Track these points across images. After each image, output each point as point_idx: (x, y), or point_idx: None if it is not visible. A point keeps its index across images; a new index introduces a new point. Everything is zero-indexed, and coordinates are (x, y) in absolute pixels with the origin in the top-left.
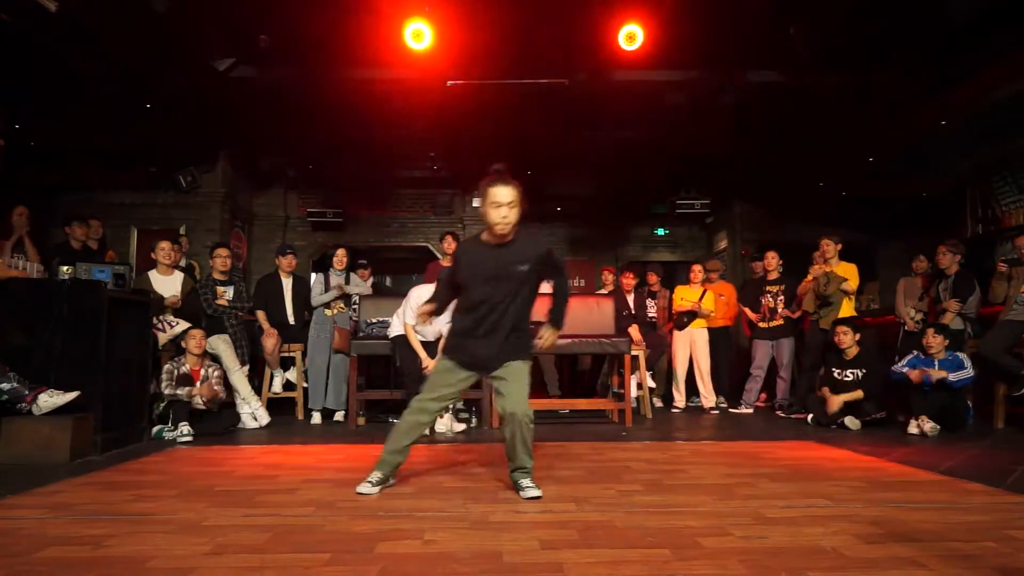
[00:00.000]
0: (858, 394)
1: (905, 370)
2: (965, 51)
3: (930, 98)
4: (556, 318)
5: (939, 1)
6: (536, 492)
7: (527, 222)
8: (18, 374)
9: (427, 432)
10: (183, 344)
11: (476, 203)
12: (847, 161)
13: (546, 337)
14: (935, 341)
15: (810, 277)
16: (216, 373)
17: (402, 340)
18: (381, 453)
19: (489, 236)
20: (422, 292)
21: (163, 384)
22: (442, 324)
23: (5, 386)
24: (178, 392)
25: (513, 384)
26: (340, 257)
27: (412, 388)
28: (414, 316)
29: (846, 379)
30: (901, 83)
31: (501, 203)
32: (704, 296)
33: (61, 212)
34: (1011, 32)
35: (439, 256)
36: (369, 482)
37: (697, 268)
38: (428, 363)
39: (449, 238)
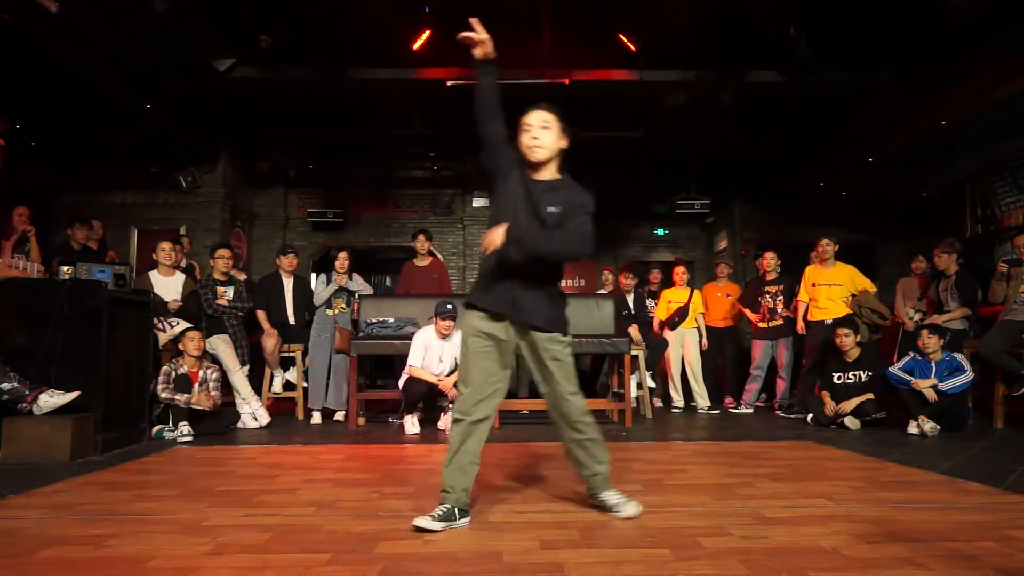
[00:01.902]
0: (866, 397)
1: (911, 380)
2: (965, 51)
3: (930, 98)
4: (522, 232)
5: (939, 2)
6: (633, 509)
7: None
8: (19, 374)
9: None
10: (180, 346)
11: (477, 203)
12: (847, 161)
13: (493, 235)
14: (931, 342)
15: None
16: (215, 375)
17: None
18: None
19: (527, 167)
20: (425, 337)
21: (159, 387)
22: (450, 363)
23: (6, 386)
24: (176, 398)
25: (563, 365)
26: (342, 260)
27: (412, 408)
28: (419, 359)
29: (848, 382)
30: (900, 83)
31: (530, 124)
32: (692, 297)
33: (62, 212)
34: (1010, 33)
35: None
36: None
37: (680, 270)
38: (444, 383)
39: (422, 237)
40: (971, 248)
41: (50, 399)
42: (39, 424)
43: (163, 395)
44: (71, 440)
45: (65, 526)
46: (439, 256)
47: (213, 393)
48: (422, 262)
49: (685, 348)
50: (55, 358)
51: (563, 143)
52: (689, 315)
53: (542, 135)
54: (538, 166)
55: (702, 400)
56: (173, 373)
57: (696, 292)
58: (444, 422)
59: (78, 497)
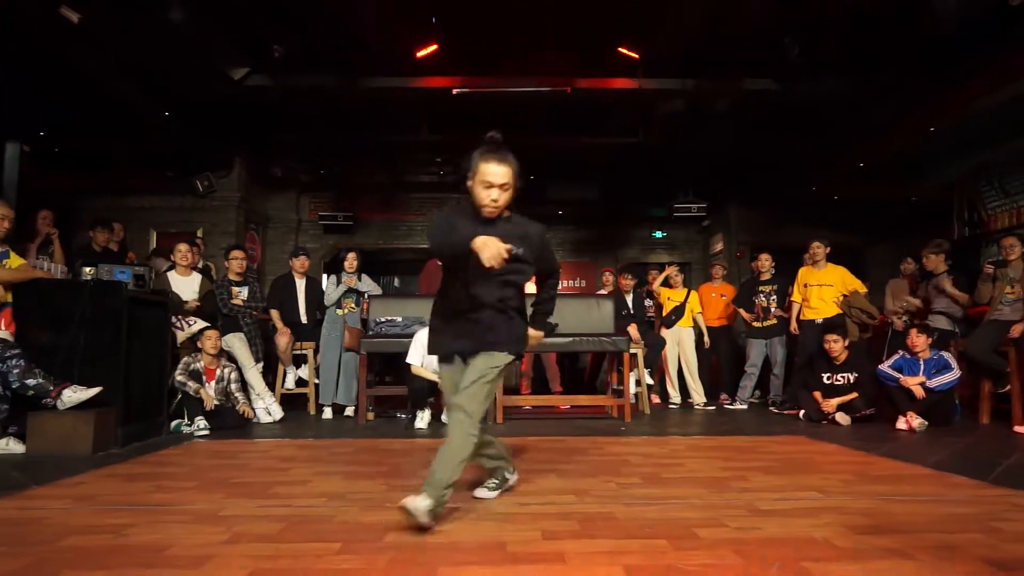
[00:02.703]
0: (852, 396)
1: (900, 377)
2: (952, 62)
3: (919, 106)
4: (542, 321)
5: (927, 14)
6: (485, 493)
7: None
8: (43, 370)
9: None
10: (198, 344)
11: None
12: (839, 166)
13: (536, 337)
14: (919, 341)
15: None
16: (233, 375)
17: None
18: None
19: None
20: (424, 336)
21: (177, 372)
22: None
23: (31, 382)
24: (188, 383)
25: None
26: (351, 260)
27: (419, 403)
28: (418, 358)
29: (836, 383)
30: (891, 91)
31: (492, 184)
32: (689, 296)
33: (84, 215)
34: (997, 43)
35: None
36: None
37: (673, 270)
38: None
39: None
40: (959, 250)
41: (73, 394)
42: (63, 418)
43: (178, 377)
44: (93, 434)
45: (87, 516)
46: None
47: (237, 393)
48: None
49: (682, 346)
50: (78, 355)
51: (515, 192)
52: (686, 314)
53: (502, 197)
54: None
55: (698, 396)
56: (191, 365)
57: (693, 292)
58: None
59: (99, 488)
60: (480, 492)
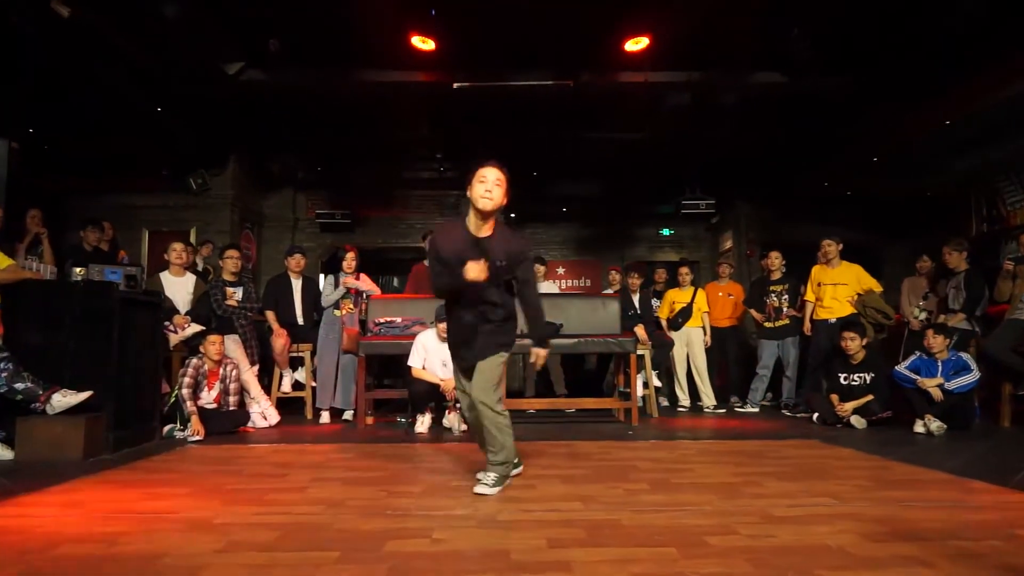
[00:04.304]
0: (868, 398)
1: (917, 379)
2: (968, 51)
3: (934, 98)
4: (537, 335)
5: (943, 3)
6: (484, 489)
7: (533, 222)
8: (32, 374)
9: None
10: (202, 349)
11: None
12: (851, 161)
13: (539, 356)
14: (936, 342)
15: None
16: (234, 372)
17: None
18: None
19: (470, 221)
20: (425, 339)
21: (186, 379)
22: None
23: (19, 386)
24: (187, 403)
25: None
26: (350, 260)
27: (420, 407)
28: (420, 361)
29: (853, 383)
30: (904, 83)
31: (486, 178)
32: (696, 296)
33: (74, 214)
34: (1013, 33)
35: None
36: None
37: (685, 270)
38: (445, 384)
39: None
40: (977, 247)
41: (63, 399)
42: (52, 423)
43: (184, 391)
44: (84, 439)
45: (78, 524)
46: None
47: (233, 397)
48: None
49: (691, 347)
50: (68, 358)
51: (505, 200)
52: (694, 314)
53: (495, 191)
54: (485, 217)
55: (708, 399)
56: (201, 369)
57: (700, 291)
58: (449, 420)
59: (91, 495)
60: (479, 488)
